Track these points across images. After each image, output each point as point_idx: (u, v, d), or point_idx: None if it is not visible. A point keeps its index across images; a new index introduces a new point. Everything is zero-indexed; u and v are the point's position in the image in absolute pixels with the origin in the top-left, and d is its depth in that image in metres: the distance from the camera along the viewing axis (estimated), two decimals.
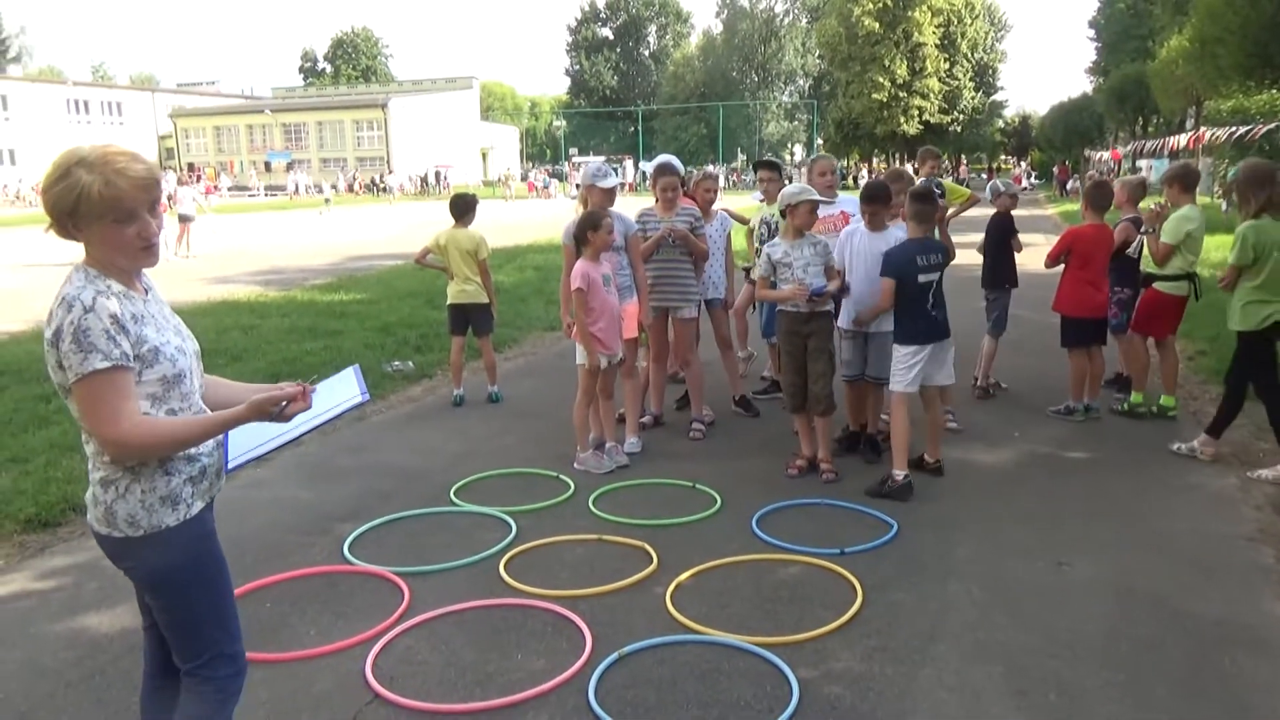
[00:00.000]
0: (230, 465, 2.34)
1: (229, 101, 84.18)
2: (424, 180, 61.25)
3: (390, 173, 59.14)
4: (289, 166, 65.96)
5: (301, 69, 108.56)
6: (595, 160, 6.75)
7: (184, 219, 19.81)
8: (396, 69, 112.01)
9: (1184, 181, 6.39)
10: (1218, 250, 15.30)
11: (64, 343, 2.03)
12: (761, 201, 7.09)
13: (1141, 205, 7.18)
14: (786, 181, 6.60)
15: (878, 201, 5.46)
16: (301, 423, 2.29)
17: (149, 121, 73.61)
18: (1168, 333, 6.51)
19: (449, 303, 7.04)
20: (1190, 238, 6.20)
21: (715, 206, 6.61)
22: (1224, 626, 3.58)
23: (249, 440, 2.35)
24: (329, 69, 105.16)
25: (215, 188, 52.91)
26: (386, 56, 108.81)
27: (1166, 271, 6.27)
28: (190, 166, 65.92)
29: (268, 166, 67.32)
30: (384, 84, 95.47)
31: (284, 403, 2.17)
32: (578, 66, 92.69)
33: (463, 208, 7.00)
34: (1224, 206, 21.71)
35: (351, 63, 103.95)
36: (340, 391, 2.44)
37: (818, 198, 5.33)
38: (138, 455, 2.12)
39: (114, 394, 2.04)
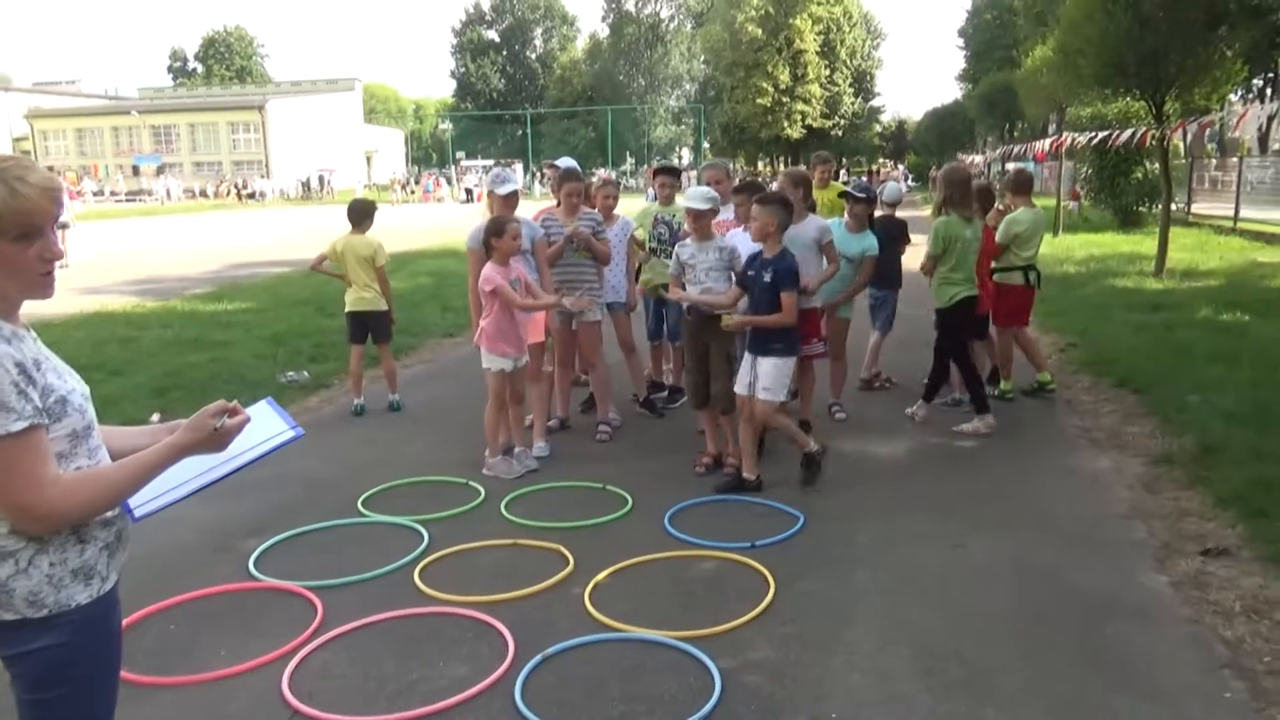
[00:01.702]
0: (138, 514, 2.02)
1: (91, 102, 79.77)
2: (306, 185, 59.39)
3: (264, 176, 57.11)
4: (159, 170, 62.97)
5: (170, 69, 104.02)
6: (499, 168, 6.70)
7: (62, 226, 18.71)
8: (274, 70, 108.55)
9: (1015, 187, 7.26)
10: (1082, 247, 16.32)
11: None
12: (655, 201, 7.17)
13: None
14: (686, 184, 6.74)
15: (744, 192, 5.77)
16: (220, 463, 2.04)
17: (2, 123, 69.04)
18: (1021, 320, 7.10)
19: (347, 310, 6.89)
20: (1019, 238, 6.88)
21: (616, 211, 6.67)
22: (1107, 597, 3.84)
23: (156, 485, 1.99)
24: (200, 69, 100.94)
25: (79, 193, 50.06)
26: (262, 56, 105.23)
27: (1001, 265, 6.95)
28: (50, 170, 62.12)
29: (136, 170, 64.05)
30: (260, 85, 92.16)
31: (223, 416, 1.92)
32: (463, 69, 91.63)
33: (360, 213, 6.86)
34: (1072, 207, 23.04)
35: (224, 62, 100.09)
36: (259, 429, 2.14)
37: (702, 207, 5.35)
38: (67, 522, 1.83)
39: (32, 457, 1.74)
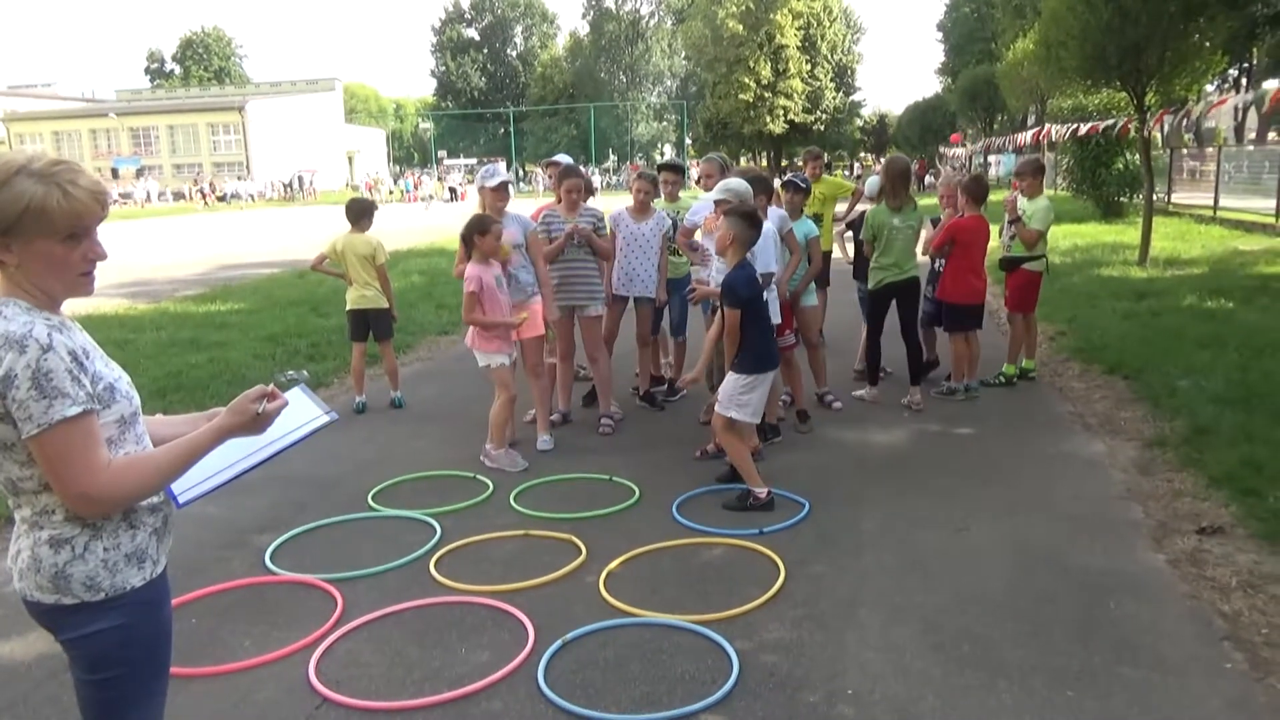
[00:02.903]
0: (182, 500, 2.08)
1: (68, 105, 79.01)
2: (288, 185, 59.09)
3: (242, 178, 56.47)
4: (139, 173, 62.52)
5: (148, 70, 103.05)
6: (489, 164, 6.83)
7: None
8: (252, 70, 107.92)
9: (1040, 175, 7.40)
10: (1066, 237, 16.51)
11: (18, 389, 1.75)
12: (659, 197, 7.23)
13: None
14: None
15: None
16: (258, 448, 2.12)
17: None
18: (1034, 307, 7.41)
19: (348, 309, 6.93)
20: (1049, 224, 7.18)
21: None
22: (1108, 576, 3.95)
23: (197, 472, 2.07)
24: (178, 70, 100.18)
25: None
26: (240, 57, 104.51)
27: (1035, 253, 7.18)
28: None
29: (115, 173, 63.49)
30: (239, 86, 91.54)
31: (263, 400, 1.99)
32: (444, 68, 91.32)
33: (358, 212, 6.90)
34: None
35: (202, 64, 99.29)
36: (294, 414, 2.19)
37: (717, 198, 5.50)
38: (119, 505, 1.90)
39: (86, 442, 1.81)
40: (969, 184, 6.96)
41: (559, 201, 6.22)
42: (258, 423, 2.01)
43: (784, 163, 61.23)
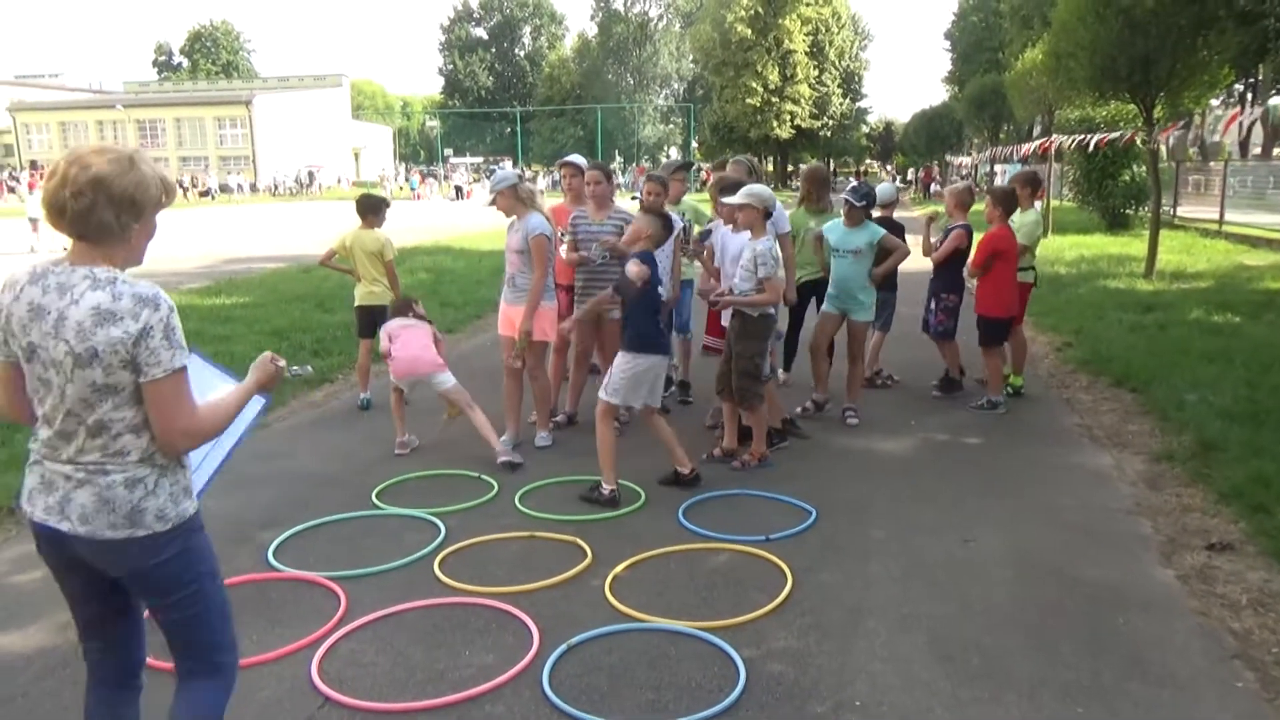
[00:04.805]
0: (198, 491, 2.42)
1: (76, 96, 79.10)
2: (298, 181, 59.18)
3: (232, 173, 56.53)
4: None
5: (156, 63, 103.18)
6: (499, 170, 6.89)
7: (34, 221, 19.05)
8: (260, 65, 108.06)
9: (1031, 186, 7.30)
10: (1072, 249, 16.49)
11: (154, 339, 2.07)
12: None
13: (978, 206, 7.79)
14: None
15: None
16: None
17: None
18: (1020, 319, 7.22)
19: (356, 305, 6.90)
20: (1039, 240, 7.20)
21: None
22: (1116, 590, 3.92)
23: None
24: (185, 63, 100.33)
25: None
26: (249, 52, 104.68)
27: (1023, 265, 7.04)
28: (33, 164, 61.52)
29: None
30: (247, 80, 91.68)
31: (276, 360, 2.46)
32: (451, 66, 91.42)
33: (368, 208, 6.87)
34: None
35: (210, 57, 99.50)
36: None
37: (733, 200, 5.47)
38: (203, 441, 2.25)
39: (188, 388, 2.16)
40: (1002, 195, 6.83)
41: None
42: (276, 378, 2.46)
43: (789, 169, 61.14)
